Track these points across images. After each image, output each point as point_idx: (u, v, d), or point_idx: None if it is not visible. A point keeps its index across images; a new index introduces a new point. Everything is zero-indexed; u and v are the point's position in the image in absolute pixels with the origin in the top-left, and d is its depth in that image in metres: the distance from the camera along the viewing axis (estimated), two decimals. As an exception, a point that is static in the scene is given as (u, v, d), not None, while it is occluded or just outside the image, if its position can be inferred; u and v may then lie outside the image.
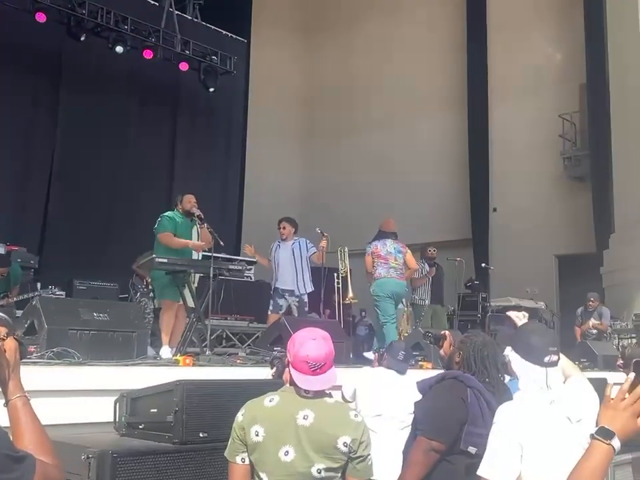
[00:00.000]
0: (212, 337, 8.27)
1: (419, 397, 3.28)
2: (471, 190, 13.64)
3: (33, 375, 3.99)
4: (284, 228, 7.68)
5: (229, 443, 2.63)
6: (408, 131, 14.20)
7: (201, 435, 3.20)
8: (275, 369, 3.77)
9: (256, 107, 13.91)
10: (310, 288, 7.58)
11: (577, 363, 4.02)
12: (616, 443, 1.52)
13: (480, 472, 2.46)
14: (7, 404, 1.73)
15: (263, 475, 2.54)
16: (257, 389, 3.55)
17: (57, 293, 7.43)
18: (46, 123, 10.49)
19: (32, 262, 8.76)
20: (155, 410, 3.30)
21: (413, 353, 6.16)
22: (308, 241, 7.72)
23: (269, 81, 14.52)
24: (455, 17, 14.05)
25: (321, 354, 2.57)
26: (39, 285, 9.10)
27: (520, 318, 3.13)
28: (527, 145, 13.02)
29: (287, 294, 7.50)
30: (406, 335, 8.00)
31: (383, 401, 4.12)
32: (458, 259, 10.06)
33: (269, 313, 7.56)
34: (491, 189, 13.53)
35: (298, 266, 7.53)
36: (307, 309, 7.64)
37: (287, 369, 3.74)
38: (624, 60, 11.39)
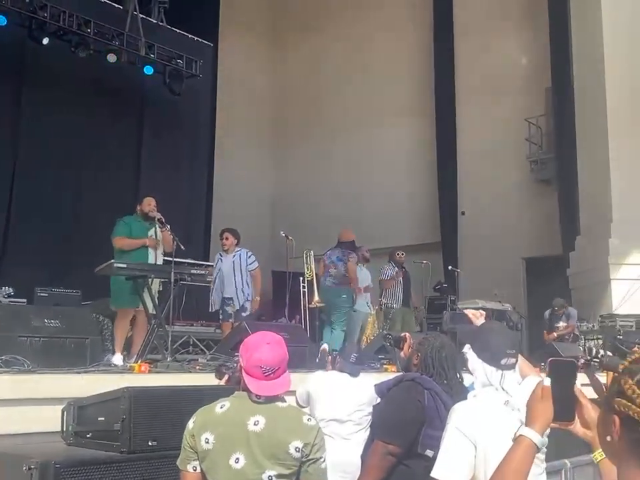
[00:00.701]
0: (178, 344, 8.21)
1: (371, 398, 3.24)
2: (440, 194, 13.68)
3: (-20, 384, 3.87)
4: (226, 239, 7.65)
5: (180, 452, 2.57)
6: (376, 134, 14.21)
7: (150, 443, 3.10)
8: (226, 376, 3.66)
9: (223, 110, 13.81)
10: (249, 297, 7.55)
11: (542, 364, 3.97)
12: (535, 436, 1.52)
13: (434, 473, 2.40)
14: None
15: None
16: (210, 395, 3.45)
17: (7, 293, 7.15)
18: (8, 127, 10.28)
19: (-9, 269, 8.55)
20: (103, 418, 3.19)
21: (368, 355, 6.13)
22: (249, 253, 7.67)
23: (237, 83, 14.44)
24: (422, 20, 14.10)
25: (274, 359, 2.52)
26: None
27: (477, 316, 3.09)
28: (494, 148, 13.08)
29: (230, 302, 7.47)
30: (372, 338, 7.96)
31: (337, 404, 4.07)
32: (424, 261, 10.06)
33: (220, 322, 7.53)
34: (459, 192, 13.58)
35: (237, 278, 7.49)
36: (245, 314, 7.57)
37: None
38: (588, 63, 11.49)
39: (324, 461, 2.55)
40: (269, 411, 2.51)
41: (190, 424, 2.57)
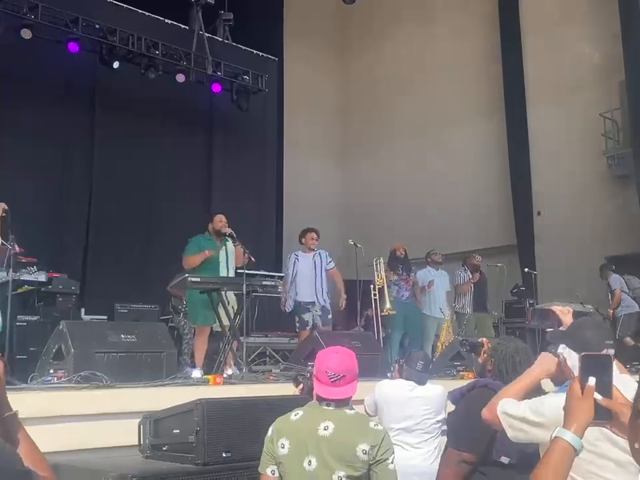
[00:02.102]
0: (254, 355, 8.31)
1: (440, 406, 3.18)
2: (513, 194, 13.37)
3: (62, 400, 4.00)
4: (317, 239, 7.65)
5: (261, 457, 2.80)
6: (445, 137, 14.04)
7: (224, 454, 3.13)
8: (301, 385, 3.71)
9: (290, 123, 13.94)
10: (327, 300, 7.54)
11: (627, 366, 3.86)
12: (572, 438, 1.46)
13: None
14: (0, 421, 1.73)
15: None
16: (281, 405, 3.46)
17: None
18: (83, 151, 10.66)
19: (73, 288, 8.83)
20: (178, 431, 3.24)
21: (442, 362, 6.02)
22: (326, 253, 7.69)
23: (302, 96, 14.54)
24: (487, 23, 13.87)
25: (340, 366, 2.75)
26: (82, 310, 9.23)
27: (565, 313, 2.99)
28: (569, 145, 12.71)
29: (309, 306, 7.46)
30: (447, 345, 7.84)
31: (404, 413, 4.00)
32: (499, 264, 9.84)
33: (297, 330, 7.53)
34: (534, 192, 13.23)
35: (318, 279, 7.50)
36: (330, 316, 7.57)
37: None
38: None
39: (392, 462, 2.69)
40: (337, 417, 2.71)
41: (269, 431, 2.80)
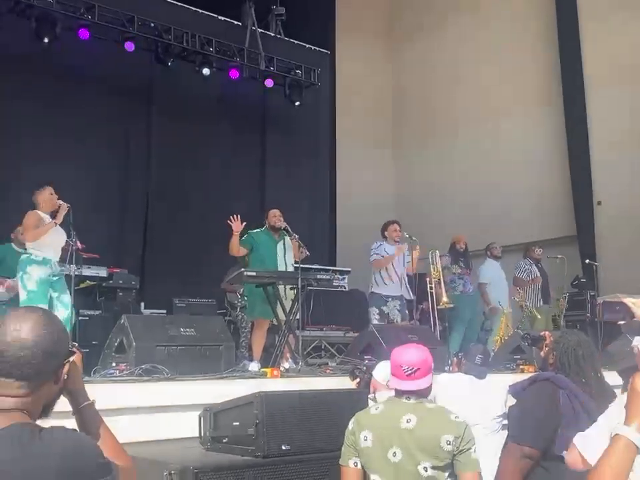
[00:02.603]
0: (309, 348, 8.34)
1: (501, 401, 3.14)
2: (573, 184, 13.05)
3: (124, 393, 4.08)
4: (400, 230, 7.63)
5: (342, 450, 2.91)
6: (501, 127, 13.79)
7: (283, 447, 3.14)
8: (357, 379, 3.71)
9: (343, 116, 13.91)
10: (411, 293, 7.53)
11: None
12: (633, 435, 1.40)
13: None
14: (78, 411, 1.79)
15: (374, 477, 2.81)
16: (339, 398, 3.46)
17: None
18: (140, 149, 10.82)
19: (133, 282, 9.02)
20: (237, 423, 3.26)
21: (502, 356, 5.92)
22: (407, 247, 7.64)
23: (355, 88, 14.48)
24: (543, 8, 13.55)
25: (413, 360, 2.90)
26: (142, 304, 9.42)
27: (638, 305, 2.91)
28: (631, 133, 12.33)
29: (390, 299, 7.40)
30: (506, 338, 7.72)
31: (463, 408, 3.94)
32: (559, 256, 9.63)
33: (372, 322, 7.40)
34: (594, 182, 12.89)
35: (403, 271, 7.47)
36: (406, 310, 7.54)
37: (372, 379, 3.68)
38: None
39: (474, 451, 2.78)
40: (418, 410, 2.83)
41: (350, 425, 2.93)
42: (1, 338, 1.60)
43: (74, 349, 1.76)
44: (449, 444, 2.72)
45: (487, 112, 13.99)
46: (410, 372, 2.86)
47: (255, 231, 7.00)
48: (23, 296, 5.84)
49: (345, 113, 13.99)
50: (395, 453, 2.76)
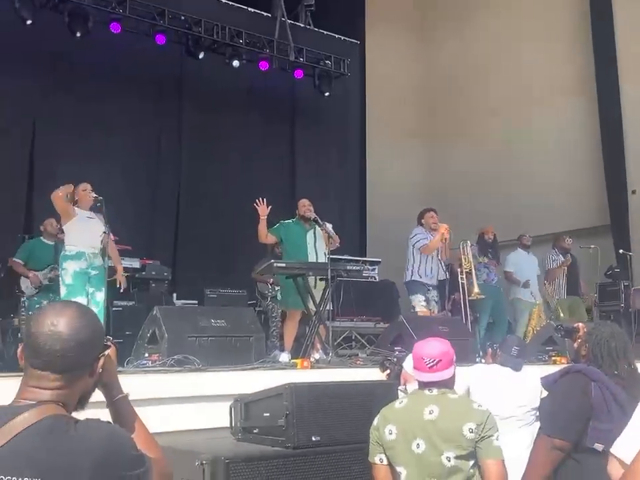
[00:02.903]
0: (340, 339, 8.35)
1: (536, 393, 3.12)
2: (606, 174, 12.85)
3: (155, 383, 4.14)
4: (437, 218, 7.60)
5: (369, 447, 2.97)
6: (532, 116, 13.61)
7: (313, 438, 3.15)
8: (388, 370, 3.72)
9: (373, 106, 13.85)
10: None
11: None
12: None
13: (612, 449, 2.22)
14: (113, 403, 1.82)
15: (400, 469, 2.85)
16: (369, 389, 3.47)
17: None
18: (171, 141, 10.91)
19: (165, 274, 9.13)
20: (268, 414, 3.29)
21: (534, 347, 5.87)
22: None
23: (385, 78, 14.39)
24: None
25: (435, 352, 2.95)
26: (174, 295, 9.52)
27: None
28: (666, 120, 12.10)
29: (430, 288, 7.38)
30: (538, 329, 7.66)
31: (499, 400, 3.92)
32: (592, 246, 9.50)
33: (417, 309, 7.34)
34: (628, 170, 12.68)
35: (439, 259, 7.44)
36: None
37: (403, 371, 3.69)
38: None
39: (497, 438, 2.81)
40: (441, 401, 2.88)
41: (375, 421, 2.98)
42: (38, 332, 1.64)
43: (108, 343, 1.80)
44: (471, 432, 2.76)
45: (520, 101, 13.82)
46: (432, 364, 2.92)
47: (286, 221, 7.04)
48: (62, 291, 5.99)
49: (375, 102, 13.92)
50: (418, 444, 2.81)
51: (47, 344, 1.62)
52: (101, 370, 1.74)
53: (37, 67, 9.33)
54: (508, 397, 3.92)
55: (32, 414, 1.57)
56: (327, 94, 11.75)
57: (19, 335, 6.67)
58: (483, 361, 5.02)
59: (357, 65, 12.89)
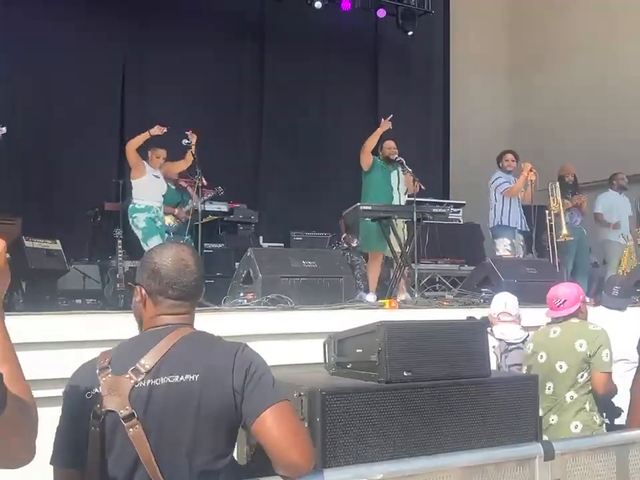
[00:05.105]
0: (424, 281, 8.42)
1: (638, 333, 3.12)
2: None
3: (251, 321, 4.34)
4: (515, 160, 7.50)
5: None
6: (622, 52, 12.97)
7: (405, 373, 3.26)
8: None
9: (457, 44, 13.47)
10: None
11: None
12: None
13: None
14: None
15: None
16: (458, 328, 3.54)
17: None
18: (253, 83, 11.01)
19: (252, 217, 9.36)
20: (360, 350, 3.40)
21: (632, 288, 5.77)
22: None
23: (469, 14, 13.92)
24: None
25: (559, 294, 3.79)
26: (261, 238, 9.76)
27: None
28: None
29: (516, 231, 7.34)
30: (628, 271, 7.50)
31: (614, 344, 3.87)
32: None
33: (501, 252, 7.32)
34: None
35: (520, 202, 7.36)
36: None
37: (489, 314, 3.86)
38: None
39: (606, 355, 3.51)
40: (563, 325, 3.73)
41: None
42: (173, 267, 1.95)
43: None
44: (581, 346, 3.52)
45: (608, 35, 13.18)
46: (559, 303, 3.73)
47: (374, 157, 7.04)
48: (139, 235, 6.69)
49: (459, 39, 13.54)
50: (541, 355, 3.68)
51: (184, 277, 1.96)
52: None
53: (123, 10, 9.54)
54: (617, 340, 3.86)
55: (178, 331, 1.91)
56: (410, 33, 11.53)
57: (117, 275, 7.02)
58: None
59: (441, 2, 12.56)
